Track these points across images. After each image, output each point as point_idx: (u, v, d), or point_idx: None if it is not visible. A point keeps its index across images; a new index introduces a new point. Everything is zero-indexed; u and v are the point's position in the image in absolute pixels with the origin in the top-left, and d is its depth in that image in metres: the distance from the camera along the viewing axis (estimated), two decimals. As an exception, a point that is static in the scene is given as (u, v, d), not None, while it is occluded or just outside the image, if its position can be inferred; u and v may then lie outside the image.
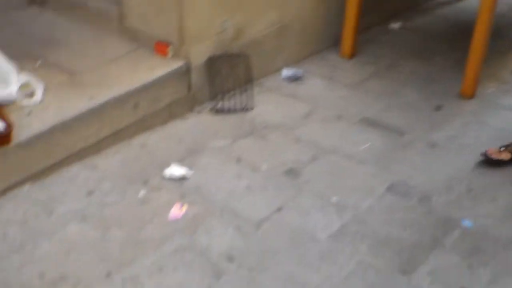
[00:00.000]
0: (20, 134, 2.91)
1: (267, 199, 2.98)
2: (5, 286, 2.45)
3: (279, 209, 2.91)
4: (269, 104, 3.72)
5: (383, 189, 3.07)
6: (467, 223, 2.86)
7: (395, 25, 4.72)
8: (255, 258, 2.64)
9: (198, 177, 3.09)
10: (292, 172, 3.17)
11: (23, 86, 3.16)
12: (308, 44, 4.22)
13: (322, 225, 2.83)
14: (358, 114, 3.66)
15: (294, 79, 3.98)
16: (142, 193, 2.97)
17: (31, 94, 3.17)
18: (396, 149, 3.38)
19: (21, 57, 3.38)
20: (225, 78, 3.67)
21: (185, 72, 3.54)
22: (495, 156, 3.24)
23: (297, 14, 4.07)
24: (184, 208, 2.89)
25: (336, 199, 2.99)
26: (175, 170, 3.09)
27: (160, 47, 3.56)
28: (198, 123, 3.53)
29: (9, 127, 2.87)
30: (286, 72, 4.00)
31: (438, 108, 3.76)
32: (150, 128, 3.41)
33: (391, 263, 2.63)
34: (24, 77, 3.18)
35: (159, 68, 3.47)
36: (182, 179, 3.07)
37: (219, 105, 3.65)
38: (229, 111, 3.63)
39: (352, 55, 4.28)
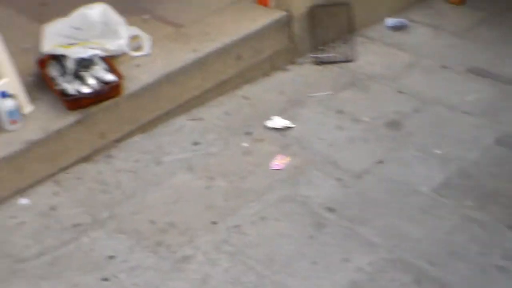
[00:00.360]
0: (130, 86, 3.04)
1: (368, 150, 2.98)
2: (120, 231, 2.61)
3: (380, 161, 2.91)
4: (371, 54, 3.67)
5: (490, 141, 2.99)
6: None
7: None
8: (355, 210, 2.67)
9: (299, 128, 3.13)
10: (394, 124, 3.14)
11: (132, 39, 3.28)
12: (413, -9, 4.11)
13: (424, 178, 2.80)
14: (465, 64, 3.55)
15: (398, 28, 3.89)
16: (245, 144, 3.05)
17: (139, 47, 3.28)
18: (505, 100, 3.26)
19: (130, 10, 3.50)
20: (326, 28, 3.64)
21: (287, 22, 3.54)
22: None
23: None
24: (286, 159, 2.94)
25: (440, 152, 2.94)
26: (277, 122, 3.14)
27: (262, -3, 3.58)
28: (300, 74, 3.54)
29: (120, 78, 2.99)
30: (390, 21, 3.92)
31: (554, 56, 3.58)
32: (252, 80, 3.46)
33: (498, 218, 2.58)
34: (133, 30, 3.30)
35: (261, 18, 3.50)
36: (284, 130, 3.11)
37: (321, 56, 3.63)
38: (331, 62, 3.61)
39: (461, 1, 4.11)
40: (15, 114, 2.81)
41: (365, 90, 3.39)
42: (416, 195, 2.72)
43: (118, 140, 3.05)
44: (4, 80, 2.80)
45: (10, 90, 2.81)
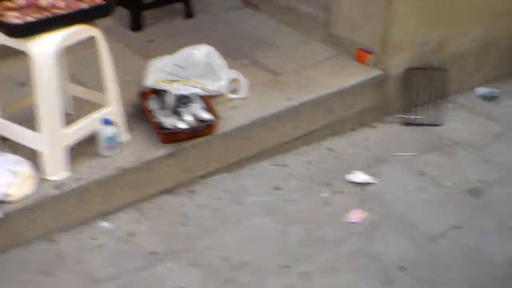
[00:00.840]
0: (224, 126, 3.18)
1: (446, 215, 2.99)
2: (193, 264, 2.72)
3: (458, 227, 2.91)
4: (459, 121, 3.69)
5: None
6: None
7: None
8: (427, 271, 2.68)
9: (380, 185, 3.18)
10: (475, 191, 3.13)
11: (231, 82, 3.43)
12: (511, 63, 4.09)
13: (501, 249, 2.78)
14: (556, 140, 3.51)
15: (489, 98, 3.88)
16: (324, 194, 3.12)
17: (237, 90, 3.43)
18: None
19: (232, 54, 3.69)
20: (420, 90, 3.69)
21: (382, 81, 3.62)
22: None
23: (506, 30, 3.96)
24: (363, 214, 2.99)
25: (520, 225, 2.92)
26: (359, 176, 3.20)
27: (360, 55, 3.67)
28: (386, 133, 3.60)
29: (216, 118, 3.14)
30: (481, 90, 3.92)
31: None
32: (339, 133, 3.55)
33: None
34: (233, 73, 3.46)
35: (357, 75, 3.59)
36: (364, 185, 3.17)
37: (410, 117, 3.68)
38: (419, 124, 3.65)
39: (559, 76, 4.06)
40: (113, 141, 3.00)
41: (450, 155, 3.41)
42: (491, 265, 2.71)
43: (204, 177, 3.19)
44: (109, 109, 3.01)
45: (112, 118, 3.01)
